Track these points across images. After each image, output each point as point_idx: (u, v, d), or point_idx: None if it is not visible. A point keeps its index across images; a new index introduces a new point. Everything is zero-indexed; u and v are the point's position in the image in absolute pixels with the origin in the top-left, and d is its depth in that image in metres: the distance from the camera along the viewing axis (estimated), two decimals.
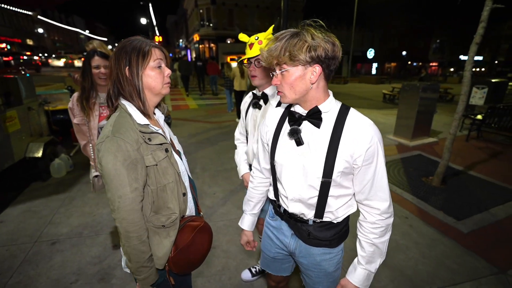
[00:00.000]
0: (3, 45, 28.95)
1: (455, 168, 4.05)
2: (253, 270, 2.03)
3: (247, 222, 1.28)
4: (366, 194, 0.94)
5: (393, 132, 5.54)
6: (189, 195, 1.09)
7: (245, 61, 1.45)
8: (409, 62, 36.66)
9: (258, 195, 1.24)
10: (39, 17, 37.60)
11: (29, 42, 38.44)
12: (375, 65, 34.44)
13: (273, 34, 1.33)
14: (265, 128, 1.09)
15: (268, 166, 1.12)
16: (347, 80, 22.73)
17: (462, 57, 32.64)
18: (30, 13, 34.95)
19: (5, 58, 17.85)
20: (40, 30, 41.85)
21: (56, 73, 16.00)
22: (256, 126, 1.52)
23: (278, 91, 0.93)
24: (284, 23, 4.79)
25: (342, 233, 1.06)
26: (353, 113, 0.92)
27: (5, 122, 3.00)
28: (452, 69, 34.40)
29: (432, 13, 29.69)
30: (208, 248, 1.10)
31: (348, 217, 1.05)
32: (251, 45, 1.39)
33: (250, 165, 1.68)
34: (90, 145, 1.88)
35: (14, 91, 3.10)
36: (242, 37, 1.48)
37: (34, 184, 3.33)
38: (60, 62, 25.96)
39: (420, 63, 34.63)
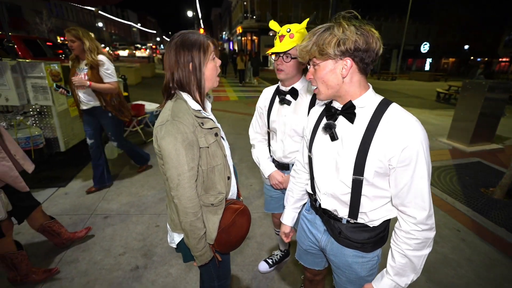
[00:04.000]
0: None
1: None
2: (270, 260, 2.01)
3: (286, 217, 1.28)
4: (402, 199, 0.86)
5: (447, 135, 4.99)
6: (233, 180, 1.15)
7: (272, 55, 1.32)
8: (472, 57, 32.54)
9: (300, 190, 1.22)
10: (99, 12, 41.49)
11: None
12: (429, 60, 31.26)
13: (306, 28, 1.25)
14: (307, 122, 1.10)
15: (307, 160, 1.11)
16: (395, 76, 21.09)
17: None
18: (92, 8, 38.68)
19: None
20: (100, 24, 46.11)
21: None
22: (287, 122, 1.42)
23: (315, 88, 0.93)
24: (332, 15, 4.56)
25: (378, 239, 0.99)
26: (393, 108, 0.85)
27: (70, 107, 3.38)
28: None
29: (505, 1, 25.78)
30: (247, 229, 1.17)
31: (387, 222, 0.98)
32: (282, 37, 1.27)
33: (276, 163, 1.60)
34: None
35: None
36: (273, 25, 1.35)
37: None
38: (125, 53, 30.03)
39: (486, 59, 30.46)
